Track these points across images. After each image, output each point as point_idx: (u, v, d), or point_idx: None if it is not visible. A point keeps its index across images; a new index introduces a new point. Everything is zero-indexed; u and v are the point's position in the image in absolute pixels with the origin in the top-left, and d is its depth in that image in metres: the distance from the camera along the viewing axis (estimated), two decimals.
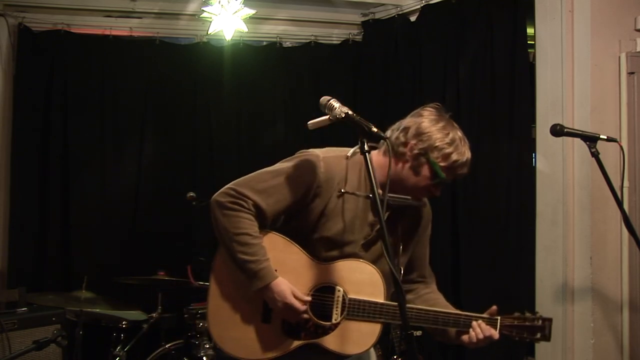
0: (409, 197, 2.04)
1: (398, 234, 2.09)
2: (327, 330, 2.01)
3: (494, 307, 2.06)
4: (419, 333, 3.69)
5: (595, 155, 2.53)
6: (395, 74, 4.45)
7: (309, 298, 1.99)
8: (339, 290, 2.00)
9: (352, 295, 2.00)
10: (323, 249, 2.03)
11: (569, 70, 3.35)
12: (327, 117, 1.90)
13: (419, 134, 1.99)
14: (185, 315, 3.57)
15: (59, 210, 4.21)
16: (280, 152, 4.97)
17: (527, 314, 2.07)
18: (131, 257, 4.27)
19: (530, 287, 3.56)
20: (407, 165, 2.01)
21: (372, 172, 1.76)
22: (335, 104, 1.88)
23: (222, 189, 2.04)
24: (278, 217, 2.05)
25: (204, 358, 3.38)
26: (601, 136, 2.55)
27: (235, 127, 4.60)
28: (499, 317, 2.07)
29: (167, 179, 4.44)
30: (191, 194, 3.78)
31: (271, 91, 4.69)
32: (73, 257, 4.20)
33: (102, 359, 3.59)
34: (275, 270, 1.98)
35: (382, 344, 3.63)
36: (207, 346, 3.40)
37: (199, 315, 3.52)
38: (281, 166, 2.06)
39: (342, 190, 1.99)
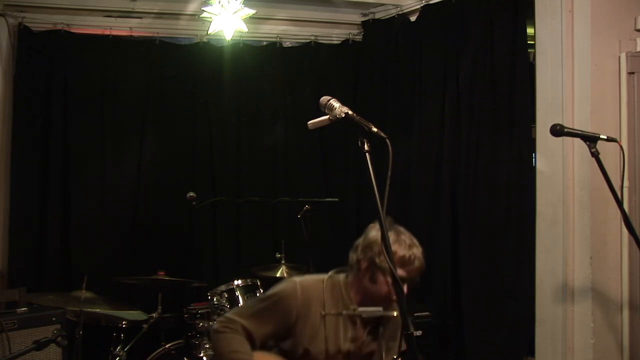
0: (379, 308, 2.19)
1: (382, 343, 2.24)
2: None
3: None
4: (419, 333, 3.70)
5: (595, 155, 2.53)
6: (395, 74, 4.46)
7: None
8: None
9: None
10: None
11: (569, 70, 3.35)
12: (327, 117, 1.91)
13: (365, 247, 2.18)
14: (185, 315, 3.58)
15: (59, 210, 4.21)
16: (281, 152, 5.02)
17: None
18: (131, 257, 4.28)
19: (530, 287, 3.56)
20: (366, 278, 2.19)
21: (372, 173, 1.76)
22: (335, 104, 1.89)
23: (219, 318, 2.28)
24: (266, 339, 2.22)
25: (204, 358, 3.38)
26: (601, 136, 2.55)
27: (235, 127, 4.60)
28: None
29: (167, 178, 4.44)
30: (191, 194, 3.78)
31: (271, 91, 4.69)
32: (73, 257, 4.20)
33: (102, 359, 3.59)
34: None
35: None
36: (207, 346, 3.40)
37: (199, 315, 3.52)
38: (267, 293, 2.26)
39: (323, 313, 2.19)
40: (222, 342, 2.17)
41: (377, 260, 2.13)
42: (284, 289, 2.22)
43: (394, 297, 2.16)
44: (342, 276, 2.28)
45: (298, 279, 2.25)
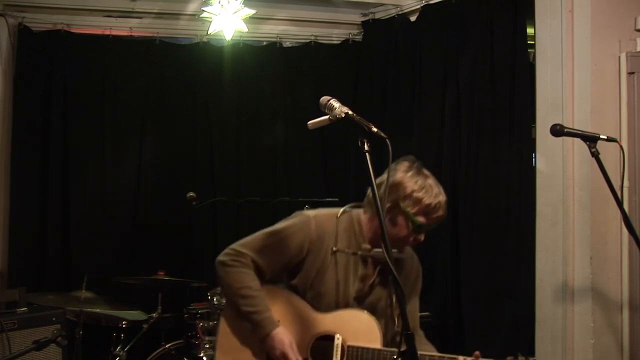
0: (394, 250, 2.13)
1: (391, 291, 2.20)
2: None
3: (477, 352, 2.05)
4: None
5: (595, 155, 2.53)
6: (395, 74, 4.45)
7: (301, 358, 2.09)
8: (337, 338, 2.10)
9: (350, 343, 2.10)
10: (320, 303, 2.16)
11: (569, 70, 3.34)
12: (327, 117, 1.91)
13: (391, 187, 2.10)
14: (185, 315, 3.57)
15: (59, 210, 4.21)
16: (281, 152, 5.01)
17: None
18: (131, 257, 4.28)
19: (530, 287, 3.56)
20: (386, 219, 2.07)
21: (372, 173, 1.76)
22: (335, 103, 1.89)
23: (225, 250, 2.19)
24: (277, 274, 2.19)
25: (204, 358, 3.38)
26: (601, 136, 2.55)
27: (235, 127, 4.60)
28: None
29: (167, 179, 4.44)
30: (191, 194, 3.78)
31: (271, 91, 4.69)
32: (73, 257, 4.20)
33: (102, 359, 3.59)
34: (278, 321, 2.11)
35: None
36: (207, 346, 3.40)
37: (199, 315, 3.52)
38: (277, 227, 2.20)
39: (334, 249, 2.15)
40: (230, 276, 2.14)
41: (401, 203, 2.08)
42: (297, 223, 2.17)
43: (411, 242, 2.16)
44: (358, 212, 2.22)
45: (312, 213, 2.20)
